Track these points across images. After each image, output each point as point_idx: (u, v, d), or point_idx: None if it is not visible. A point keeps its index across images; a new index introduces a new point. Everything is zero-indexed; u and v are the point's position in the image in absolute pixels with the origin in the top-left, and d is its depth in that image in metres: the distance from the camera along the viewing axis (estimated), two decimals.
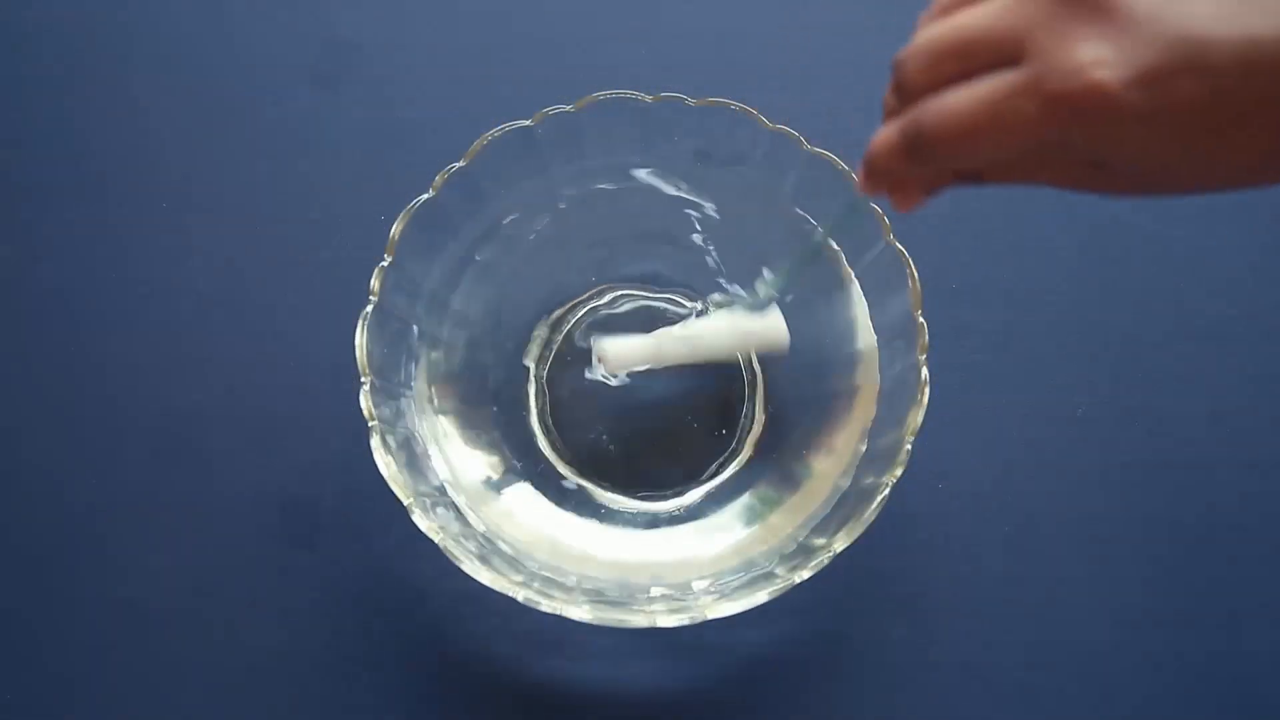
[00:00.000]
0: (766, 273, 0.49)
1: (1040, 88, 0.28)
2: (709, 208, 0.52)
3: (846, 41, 0.61)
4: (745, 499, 0.51)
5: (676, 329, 0.50)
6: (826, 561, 0.43)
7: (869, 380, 0.49)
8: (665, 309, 0.55)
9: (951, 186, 0.34)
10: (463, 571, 0.43)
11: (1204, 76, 0.27)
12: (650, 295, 0.55)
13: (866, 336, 0.49)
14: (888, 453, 0.45)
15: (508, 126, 0.48)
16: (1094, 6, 0.28)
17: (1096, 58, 0.27)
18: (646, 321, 0.54)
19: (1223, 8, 0.27)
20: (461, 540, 0.45)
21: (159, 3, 0.62)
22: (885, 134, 0.32)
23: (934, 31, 0.31)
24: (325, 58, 0.61)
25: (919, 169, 0.32)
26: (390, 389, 0.47)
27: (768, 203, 0.50)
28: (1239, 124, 0.28)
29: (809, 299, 0.51)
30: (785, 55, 0.60)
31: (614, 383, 0.52)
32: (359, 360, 0.46)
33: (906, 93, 0.31)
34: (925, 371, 0.45)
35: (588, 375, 0.53)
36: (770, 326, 0.49)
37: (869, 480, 0.46)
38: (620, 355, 0.50)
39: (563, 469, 0.53)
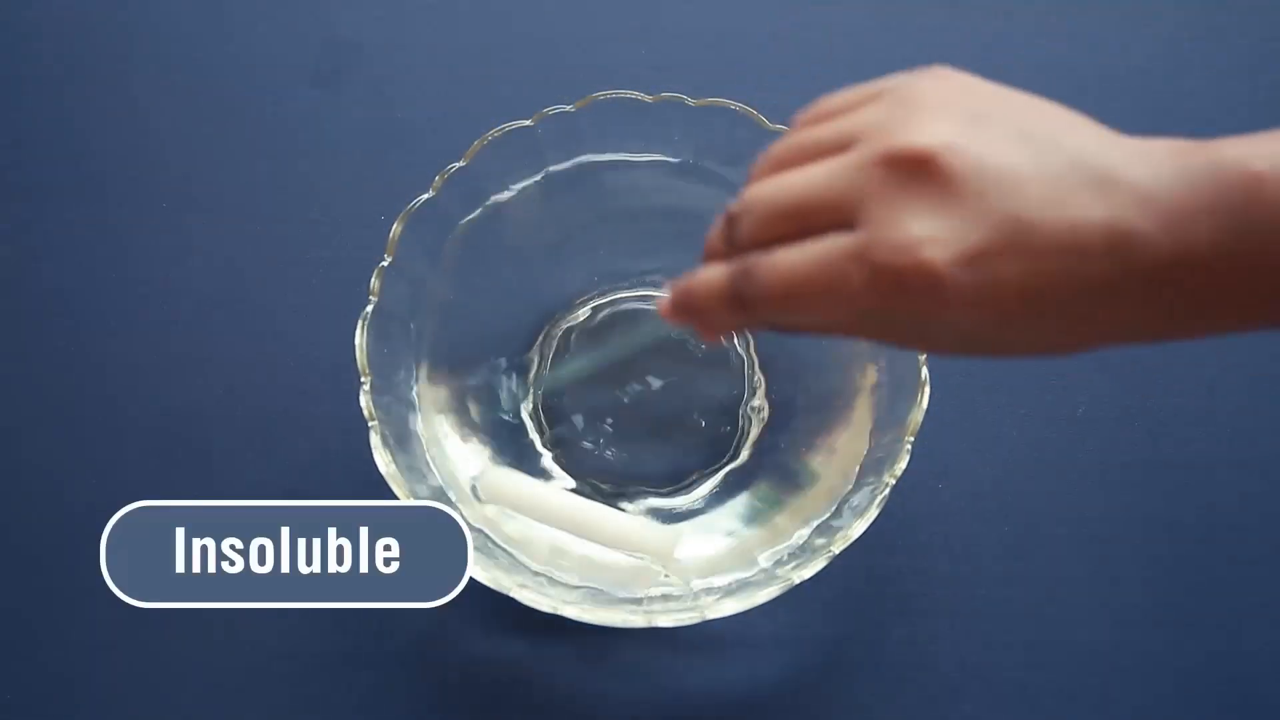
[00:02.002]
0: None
1: (869, 258, 0.27)
2: (711, 207, 0.52)
3: (846, 41, 0.61)
4: (746, 499, 0.51)
5: (580, 505, 0.49)
6: (826, 562, 0.43)
7: (869, 380, 0.49)
8: None
9: (763, 330, 0.33)
10: None
11: (1024, 258, 0.27)
12: (651, 295, 0.55)
13: None
14: (888, 453, 0.45)
15: (508, 126, 0.48)
16: (927, 178, 0.27)
17: (926, 235, 0.27)
18: (647, 320, 0.55)
19: (1050, 191, 0.27)
20: None
21: (159, 3, 0.62)
22: (712, 278, 0.31)
23: (770, 190, 0.30)
24: (325, 58, 0.61)
25: (740, 319, 0.31)
26: (390, 389, 0.47)
27: None
28: (1055, 306, 0.27)
29: None
30: (785, 55, 0.60)
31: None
32: (359, 360, 0.45)
33: (739, 246, 0.31)
34: (925, 371, 0.45)
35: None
36: (664, 540, 0.48)
37: (869, 480, 0.46)
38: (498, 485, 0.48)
39: (562, 469, 0.53)
